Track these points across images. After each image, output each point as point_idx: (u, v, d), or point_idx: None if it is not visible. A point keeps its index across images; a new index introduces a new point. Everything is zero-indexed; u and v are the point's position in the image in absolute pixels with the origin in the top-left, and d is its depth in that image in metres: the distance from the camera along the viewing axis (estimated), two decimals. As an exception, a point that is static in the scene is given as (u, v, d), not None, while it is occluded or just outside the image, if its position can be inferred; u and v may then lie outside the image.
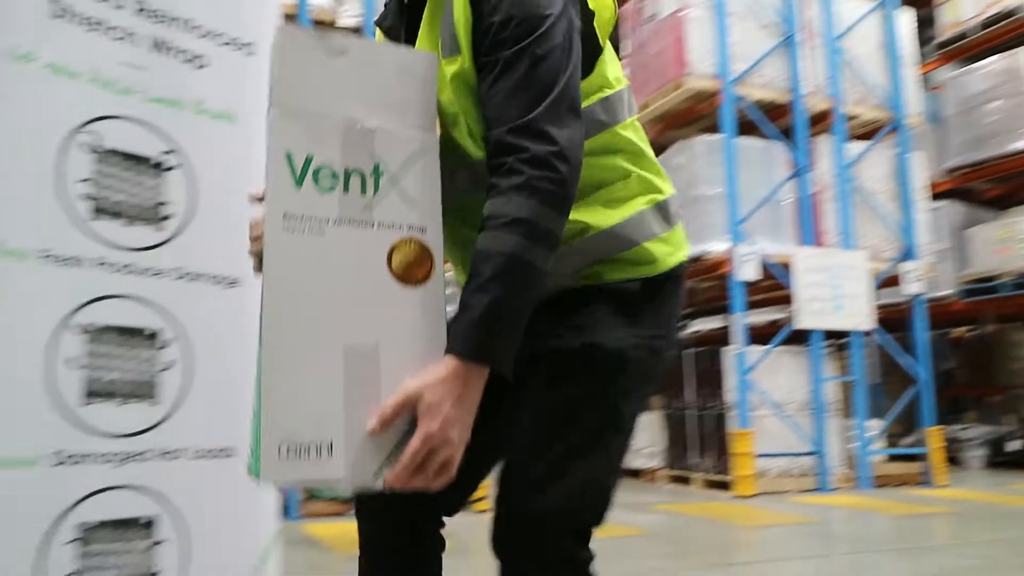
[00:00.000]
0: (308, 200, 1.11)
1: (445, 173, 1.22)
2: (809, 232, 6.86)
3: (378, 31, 1.43)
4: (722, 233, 6.51)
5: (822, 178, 6.88)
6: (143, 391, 1.95)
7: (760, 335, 6.96)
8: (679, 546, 4.44)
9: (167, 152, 2.04)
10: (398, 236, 1.15)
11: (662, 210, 1.32)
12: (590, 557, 1.25)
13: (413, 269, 1.15)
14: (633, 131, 1.33)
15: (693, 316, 10.13)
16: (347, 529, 2.78)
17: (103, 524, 1.88)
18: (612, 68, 1.33)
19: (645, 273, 1.28)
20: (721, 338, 7.19)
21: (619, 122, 1.30)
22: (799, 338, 6.65)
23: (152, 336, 1.97)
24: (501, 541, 1.22)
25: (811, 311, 6.55)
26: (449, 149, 1.25)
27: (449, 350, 1.11)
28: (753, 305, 7.10)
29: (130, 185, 1.97)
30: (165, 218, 2.02)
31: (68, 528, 1.83)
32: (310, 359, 1.09)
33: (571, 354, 1.24)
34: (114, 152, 1.95)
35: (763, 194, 6.62)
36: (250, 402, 1.97)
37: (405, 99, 1.19)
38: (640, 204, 1.29)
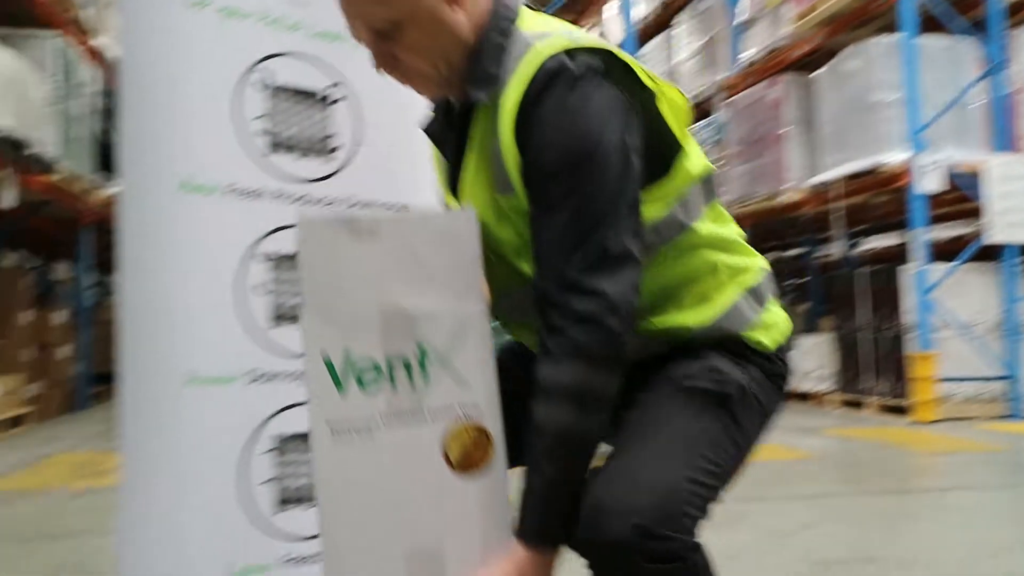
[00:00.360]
0: (353, 404, 1.06)
1: (515, 295, 1.18)
2: (1004, 137, 6.24)
3: (427, 139, 1.35)
4: (900, 142, 6.04)
5: (1020, 76, 6.20)
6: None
7: (943, 252, 6.47)
8: (851, 471, 4.29)
9: (332, 85, 2.11)
10: (452, 420, 1.09)
11: (755, 294, 1.28)
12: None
13: (472, 456, 1.10)
14: (715, 218, 1.28)
15: (866, 233, 9.54)
16: None
17: (294, 436, 2.05)
18: (693, 160, 1.24)
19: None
20: (898, 255, 6.77)
21: (701, 215, 1.24)
22: (988, 254, 6.13)
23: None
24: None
25: (1005, 224, 6.00)
26: (515, 275, 1.20)
27: (516, 534, 1.09)
28: (935, 220, 6.59)
29: (301, 119, 2.06)
30: (334, 150, 2.10)
31: (265, 439, 2.00)
32: (372, 570, 1.07)
33: (690, 376, 1.18)
34: (284, 88, 2.04)
35: (947, 98, 6.06)
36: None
37: (446, 269, 1.10)
38: (733, 295, 1.25)
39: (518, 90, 1.11)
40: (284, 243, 2.03)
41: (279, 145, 2.04)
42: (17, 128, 5.98)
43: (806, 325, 9.02)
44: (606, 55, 1.12)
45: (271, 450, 2.02)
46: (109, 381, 8.62)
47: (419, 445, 1.08)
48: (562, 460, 1.07)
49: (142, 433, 1.83)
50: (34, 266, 11.51)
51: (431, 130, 1.33)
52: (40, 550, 2.83)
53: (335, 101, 2.11)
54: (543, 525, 1.07)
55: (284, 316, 2.03)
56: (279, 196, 2.03)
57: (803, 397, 7.38)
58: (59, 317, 7.56)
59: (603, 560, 1.06)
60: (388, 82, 2.31)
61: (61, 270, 13.34)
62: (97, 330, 8.28)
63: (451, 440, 1.09)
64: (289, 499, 2.03)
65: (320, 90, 2.09)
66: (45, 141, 6.46)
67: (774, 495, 3.39)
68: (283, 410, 2.03)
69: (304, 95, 2.07)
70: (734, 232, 1.31)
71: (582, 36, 1.15)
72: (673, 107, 1.20)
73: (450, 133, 1.27)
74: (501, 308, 1.29)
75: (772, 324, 1.28)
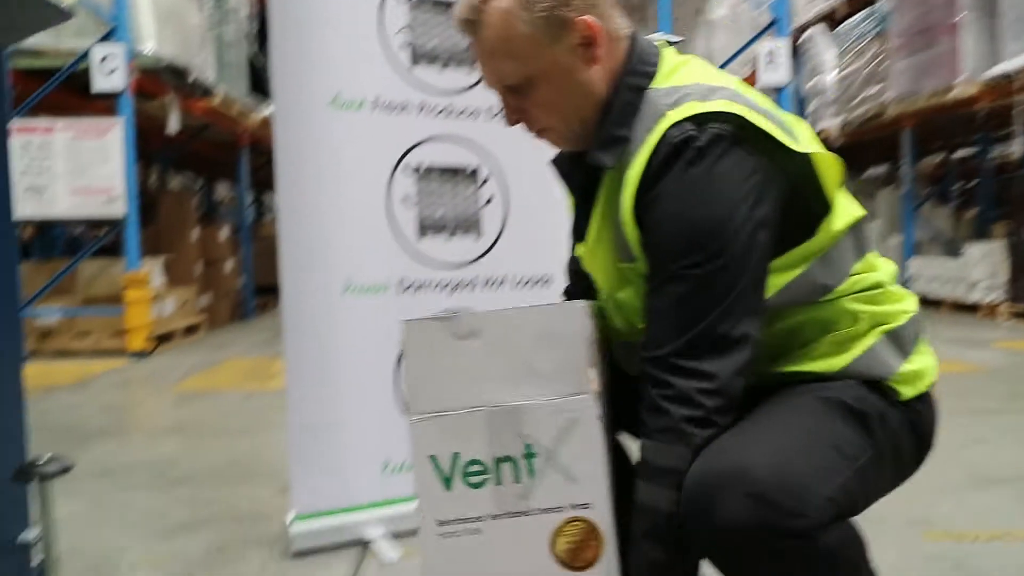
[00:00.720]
0: (460, 502, 1.08)
1: (635, 348, 1.11)
2: None
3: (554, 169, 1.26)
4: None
5: None
6: (468, 225, 2.11)
7: None
8: (1022, 386, 4.02)
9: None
10: (561, 519, 1.08)
11: (896, 339, 1.14)
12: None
13: (580, 553, 1.08)
14: (863, 267, 1.15)
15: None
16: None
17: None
18: (840, 216, 1.12)
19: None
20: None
21: (844, 271, 1.13)
22: None
23: (473, 174, 2.11)
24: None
25: None
26: (636, 332, 1.13)
27: None
28: None
29: (441, 30, 2.06)
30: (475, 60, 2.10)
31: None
32: None
33: (829, 388, 1.09)
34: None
35: None
36: (558, 236, 2.02)
37: (553, 364, 1.07)
38: (870, 339, 1.12)
39: (641, 162, 1.05)
40: (430, 155, 2.07)
41: (421, 57, 2.05)
42: (179, 56, 6.30)
43: (975, 231, 8.37)
44: (740, 121, 1.03)
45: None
46: (270, 293, 9.22)
47: (526, 541, 1.08)
48: (661, 542, 1.05)
49: (303, 340, 1.95)
50: (199, 187, 12.34)
51: (559, 163, 1.25)
52: (217, 444, 3.11)
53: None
54: None
55: (429, 227, 2.08)
56: (422, 109, 2.05)
57: (971, 308, 6.92)
58: (223, 234, 8.09)
59: (719, 546, 1.00)
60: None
61: (222, 190, 14.22)
62: (256, 245, 8.81)
63: (559, 537, 1.08)
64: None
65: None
66: (204, 67, 6.79)
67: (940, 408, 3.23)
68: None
69: (444, 5, 2.06)
70: (884, 274, 1.18)
71: (720, 95, 1.05)
72: (825, 168, 1.10)
73: (578, 173, 1.21)
74: (621, 353, 1.26)
75: (917, 375, 1.14)
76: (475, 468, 1.07)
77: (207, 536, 2.11)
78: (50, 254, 8.14)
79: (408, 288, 2.06)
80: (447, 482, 1.07)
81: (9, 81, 1.65)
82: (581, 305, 1.09)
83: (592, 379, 1.07)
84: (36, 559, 1.68)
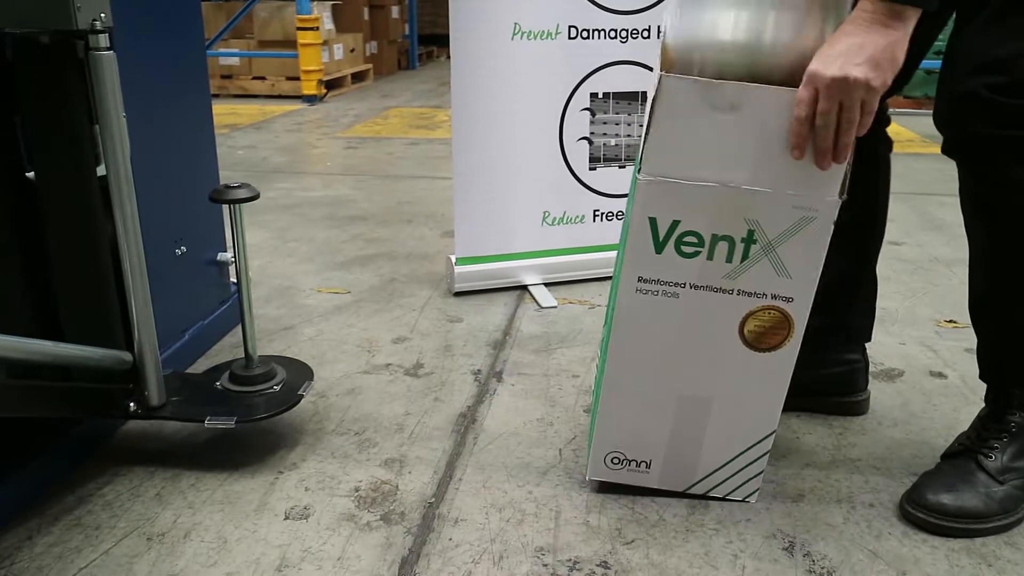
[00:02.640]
0: (666, 265, 1.08)
1: None
2: None
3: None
4: None
5: None
6: None
7: None
8: None
9: None
10: (759, 304, 1.09)
11: None
12: None
13: (766, 337, 1.11)
14: None
15: None
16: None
17: (607, 96, 2.05)
18: None
19: None
20: None
21: None
22: None
23: None
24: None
25: None
26: None
27: None
28: None
29: None
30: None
31: (582, 96, 2.03)
32: (644, 399, 1.17)
33: None
34: None
35: None
36: None
37: (807, 157, 1.00)
38: None
39: None
40: None
41: None
42: None
43: None
44: None
45: (585, 109, 2.05)
46: (434, 43, 9.13)
47: (718, 315, 1.10)
48: None
49: (471, 87, 1.93)
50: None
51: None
52: (385, 187, 3.25)
53: None
54: None
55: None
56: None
57: None
58: (388, -23, 7.93)
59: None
60: None
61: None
62: (421, -9, 8.62)
63: (750, 319, 1.10)
64: (598, 158, 2.09)
65: None
66: None
67: None
68: (601, 68, 2.02)
69: None
70: None
71: None
72: None
73: None
74: None
75: None
76: (690, 239, 1.07)
77: (377, 270, 2.27)
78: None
79: (579, 34, 1.96)
80: (659, 245, 1.08)
81: None
82: None
83: (842, 183, 1.02)
84: (231, 276, 1.87)
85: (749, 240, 1.06)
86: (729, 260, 1.07)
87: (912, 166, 3.65)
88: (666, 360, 1.14)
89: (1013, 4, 1.03)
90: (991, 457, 1.18)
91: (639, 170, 1.05)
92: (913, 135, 4.39)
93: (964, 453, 1.21)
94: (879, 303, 1.49)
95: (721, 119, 1.00)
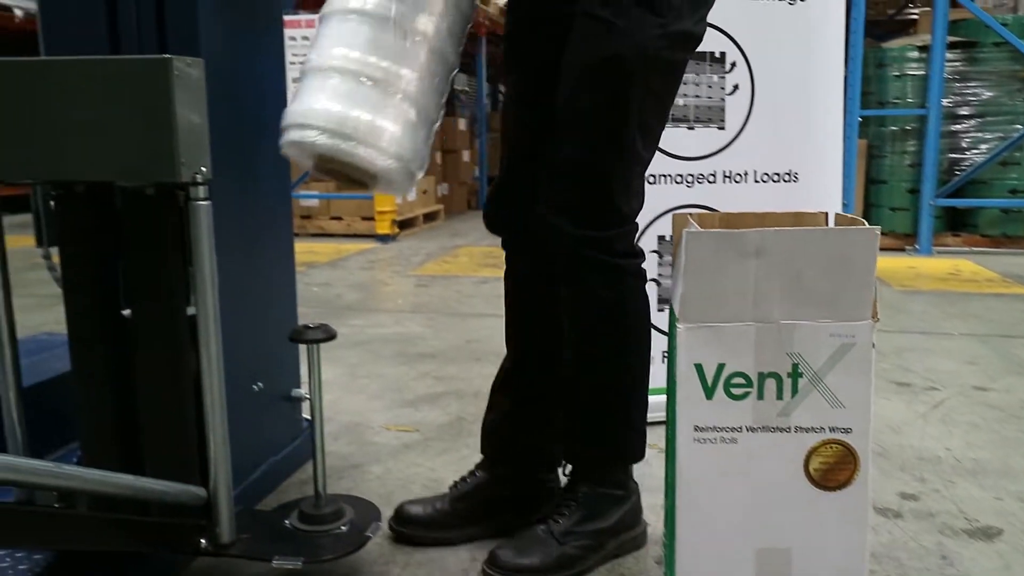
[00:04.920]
0: (719, 411, 1.10)
1: None
2: None
3: None
4: None
5: None
6: (711, 115, 2.02)
7: None
8: None
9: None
10: (818, 439, 1.09)
11: None
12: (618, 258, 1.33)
13: (833, 474, 1.10)
14: None
15: None
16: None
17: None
18: None
19: None
20: None
21: None
22: None
23: (720, 58, 2.00)
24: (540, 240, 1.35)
25: None
26: None
27: None
28: None
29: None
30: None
31: (650, 238, 2.06)
32: (721, 557, 1.13)
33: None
34: None
35: None
36: (807, 132, 1.91)
37: (835, 287, 1.06)
38: None
39: None
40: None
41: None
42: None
43: None
44: None
45: (653, 251, 2.08)
46: (503, 184, 9.46)
47: (781, 456, 1.10)
48: None
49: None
50: (439, 78, 12.73)
51: None
52: (454, 325, 3.31)
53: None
54: None
55: (673, 118, 2.02)
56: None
57: None
58: (461, 124, 8.36)
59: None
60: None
61: (461, 80, 14.61)
62: (491, 136, 9.04)
63: (814, 456, 1.10)
64: (667, 299, 2.10)
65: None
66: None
67: None
68: (668, 212, 2.06)
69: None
70: None
71: None
72: None
73: None
74: None
75: None
76: (738, 380, 1.08)
77: (445, 408, 2.28)
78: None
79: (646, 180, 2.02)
80: (709, 391, 1.09)
81: (280, -26, 1.75)
82: (875, 231, 1.07)
83: (873, 306, 1.06)
84: (304, 412, 1.90)
85: (795, 374, 1.08)
86: (780, 396, 1.08)
87: (993, 306, 3.55)
88: (737, 511, 1.12)
89: None
90: None
91: (677, 320, 1.09)
92: (993, 275, 4.29)
93: None
94: (969, 453, 1.43)
95: (749, 264, 1.06)
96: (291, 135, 1.20)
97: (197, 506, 1.25)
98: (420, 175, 1.26)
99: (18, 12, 8.02)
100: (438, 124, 1.28)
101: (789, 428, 1.09)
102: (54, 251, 1.27)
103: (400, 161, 1.19)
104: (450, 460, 1.90)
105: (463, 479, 1.56)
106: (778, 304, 1.07)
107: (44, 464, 1.04)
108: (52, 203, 1.22)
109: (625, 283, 1.36)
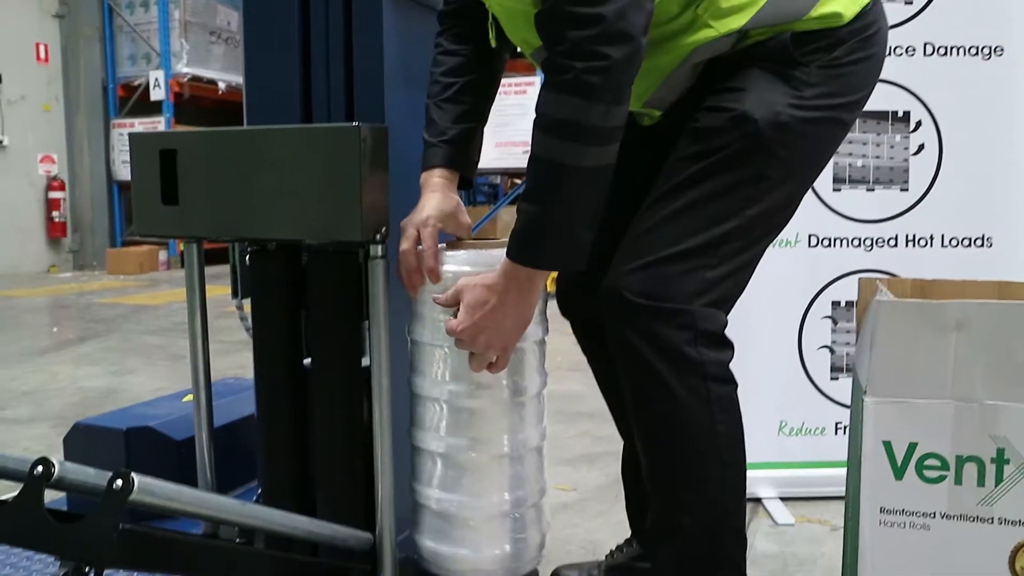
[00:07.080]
0: (910, 493, 1.01)
1: None
2: None
3: None
4: None
5: None
6: (893, 176, 1.93)
7: None
8: None
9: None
10: None
11: None
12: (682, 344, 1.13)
13: None
14: None
15: None
16: None
17: (849, 304, 1.97)
18: None
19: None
20: None
21: None
22: None
23: (904, 117, 1.91)
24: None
25: None
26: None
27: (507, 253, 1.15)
28: None
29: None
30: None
31: (823, 304, 1.98)
32: None
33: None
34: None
35: None
36: (1003, 193, 1.77)
37: None
38: None
39: None
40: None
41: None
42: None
43: None
44: None
45: (826, 317, 1.98)
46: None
47: (982, 550, 1.00)
48: (550, 199, 1.09)
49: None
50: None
51: None
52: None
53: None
54: (519, 249, 1.14)
55: (845, 178, 1.94)
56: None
57: None
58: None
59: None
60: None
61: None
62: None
63: (1022, 554, 0.99)
64: (841, 367, 1.99)
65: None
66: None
67: None
68: (841, 277, 1.97)
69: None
70: None
71: None
72: None
73: None
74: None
75: None
76: (932, 462, 1.00)
77: (604, 468, 2.25)
78: (473, 201, 9.18)
79: (819, 243, 1.95)
80: (899, 471, 1.01)
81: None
82: None
83: None
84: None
85: (1000, 460, 0.97)
86: (981, 483, 0.98)
87: None
88: None
89: None
90: None
91: (864, 392, 1.00)
92: None
93: None
94: None
95: (948, 337, 0.96)
96: None
97: (362, 550, 1.29)
98: None
99: (221, 85, 8.90)
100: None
101: (992, 519, 0.99)
102: (245, 302, 1.38)
103: None
104: (607, 523, 1.87)
105: (619, 548, 1.53)
106: (981, 382, 0.97)
107: (231, 501, 1.11)
108: (247, 258, 1.33)
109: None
